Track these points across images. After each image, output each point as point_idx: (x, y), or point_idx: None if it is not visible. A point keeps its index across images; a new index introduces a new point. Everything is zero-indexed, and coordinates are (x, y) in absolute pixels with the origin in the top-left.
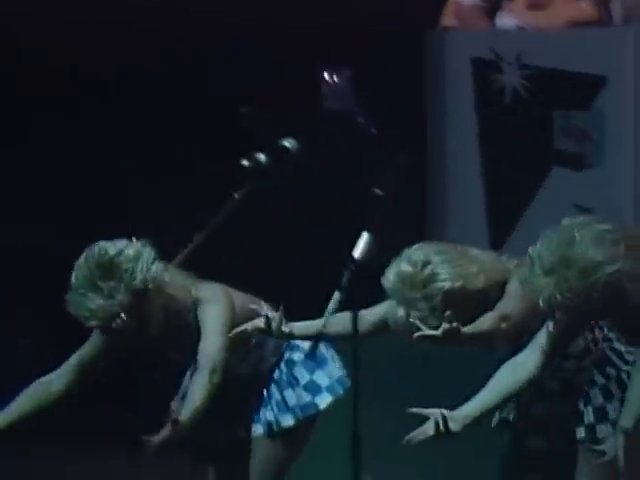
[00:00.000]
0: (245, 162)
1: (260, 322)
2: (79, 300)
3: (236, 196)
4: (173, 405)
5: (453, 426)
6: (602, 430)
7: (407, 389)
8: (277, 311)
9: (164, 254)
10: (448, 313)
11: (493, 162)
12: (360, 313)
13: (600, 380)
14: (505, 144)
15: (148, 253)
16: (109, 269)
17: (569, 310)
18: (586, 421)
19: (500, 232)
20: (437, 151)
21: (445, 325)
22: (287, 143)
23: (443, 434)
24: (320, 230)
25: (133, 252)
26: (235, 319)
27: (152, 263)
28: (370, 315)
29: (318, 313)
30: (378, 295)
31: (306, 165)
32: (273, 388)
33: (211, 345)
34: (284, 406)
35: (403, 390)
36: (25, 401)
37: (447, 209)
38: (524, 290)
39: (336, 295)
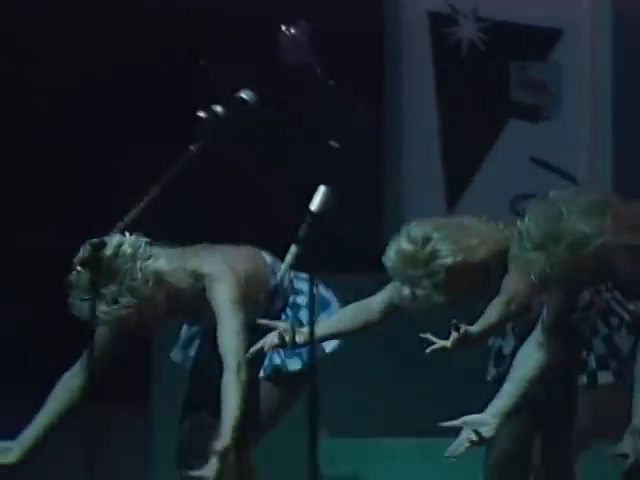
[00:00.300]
0: (202, 114)
1: (274, 338)
2: (82, 306)
3: (192, 148)
4: (214, 445)
5: (486, 432)
6: (603, 377)
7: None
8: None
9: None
10: (454, 321)
11: (450, 115)
12: (366, 302)
13: (603, 330)
14: (462, 97)
15: (143, 248)
16: (108, 273)
17: (561, 283)
18: (588, 368)
19: (457, 184)
20: (394, 104)
21: (454, 334)
22: (244, 95)
23: (479, 442)
24: (278, 183)
25: (130, 250)
26: (242, 288)
27: (148, 258)
28: (376, 303)
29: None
30: (334, 245)
31: (264, 117)
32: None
33: (230, 339)
34: (291, 350)
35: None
36: (54, 405)
37: (404, 161)
38: (515, 265)
39: (293, 248)
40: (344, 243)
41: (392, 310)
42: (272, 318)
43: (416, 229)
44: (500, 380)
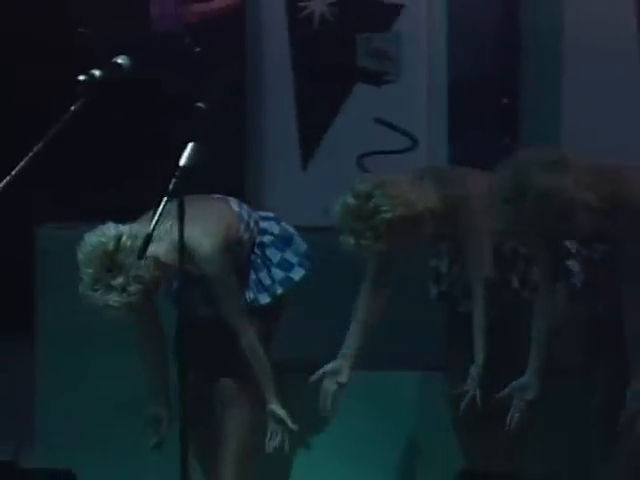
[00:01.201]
0: (81, 77)
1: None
2: (94, 297)
3: (72, 108)
4: None
5: (529, 395)
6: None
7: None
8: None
9: None
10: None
11: (304, 80)
12: (368, 287)
13: (522, 250)
14: (314, 64)
15: (140, 239)
16: (114, 266)
17: (531, 236)
18: (512, 287)
19: (311, 143)
20: (255, 70)
21: (470, 395)
22: (120, 60)
23: (527, 407)
24: (151, 142)
25: (129, 243)
26: (225, 254)
27: (146, 246)
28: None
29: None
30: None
31: (137, 80)
32: (250, 271)
33: (234, 309)
34: (261, 286)
35: None
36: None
37: (264, 121)
38: (490, 219)
39: (164, 201)
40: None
41: (383, 279)
42: (244, 260)
43: (361, 186)
44: (441, 297)
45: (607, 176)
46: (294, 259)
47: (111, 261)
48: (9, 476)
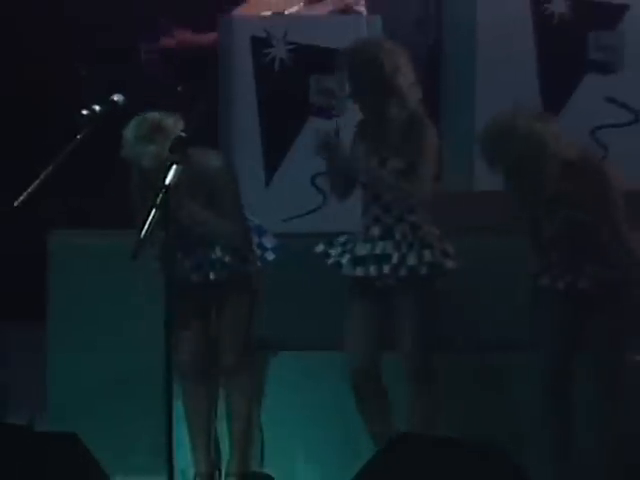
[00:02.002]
0: (84, 111)
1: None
2: (137, 150)
3: (77, 137)
4: None
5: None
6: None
7: None
8: None
9: None
10: None
11: (268, 113)
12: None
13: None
14: (276, 100)
15: (180, 125)
16: (158, 128)
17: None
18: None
19: (272, 165)
20: (227, 104)
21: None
22: (116, 97)
23: None
24: None
25: (172, 121)
26: None
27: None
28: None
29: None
30: None
31: (130, 113)
32: None
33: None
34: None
35: None
36: None
37: (233, 145)
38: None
39: (153, 211)
40: None
41: None
42: None
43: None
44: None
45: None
46: (268, 245)
47: (157, 125)
48: (23, 438)
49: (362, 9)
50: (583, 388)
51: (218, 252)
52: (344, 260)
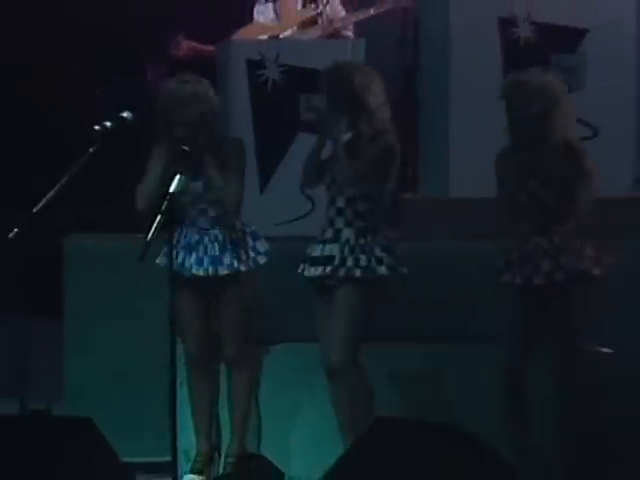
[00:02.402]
0: (96, 127)
1: None
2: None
3: (90, 150)
4: None
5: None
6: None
7: None
8: None
9: None
10: None
11: (262, 128)
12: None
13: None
14: (269, 117)
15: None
16: (194, 95)
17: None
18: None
19: (266, 174)
20: (224, 119)
21: None
22: (125, 114)
23: None
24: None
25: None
26: None
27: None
28: None
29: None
30: None
31: (137, 128)
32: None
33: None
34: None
35: None
36: None
37: None
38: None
39: (158, 217)
40: None
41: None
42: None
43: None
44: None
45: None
46: (261, 249)
47: (191, 94)
48: (42, 422)
49: (349, 33)
50: (541, 385)
51: (217, 250)
52: (304, 262)
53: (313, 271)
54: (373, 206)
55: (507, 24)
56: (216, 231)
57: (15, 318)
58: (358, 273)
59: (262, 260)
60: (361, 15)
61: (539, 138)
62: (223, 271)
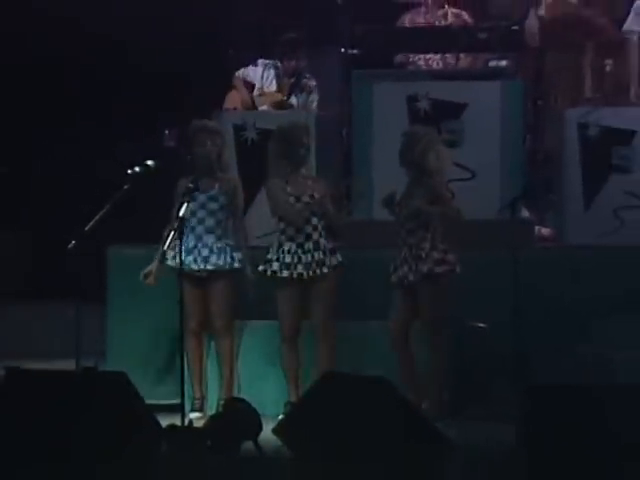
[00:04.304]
0: (130, 170)
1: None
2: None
3: (125, 187)
4: None
5: None
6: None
7: None
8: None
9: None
10: None
11: (244, 170)
12: None
13: None
14: (249, 163)
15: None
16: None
17: None
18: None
19: (246, 204)
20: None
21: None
22: (149, 162)
23: None
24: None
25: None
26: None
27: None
28: None
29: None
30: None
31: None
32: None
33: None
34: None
35: None
36: None
37: None
38: None
39: (171, 233)
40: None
41: None
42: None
43: None
44: None
45: None
46: (238, 257)
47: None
48: (90, 374)
49: (314, 107)
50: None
51: (213, 256)
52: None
53: (288, 273)
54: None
55: (412, 100)
56: (208, 239)
57: (74, 303)
58: (300, 269)
59: (238, 265)
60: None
61: (427, 177)
62: (218, 267)
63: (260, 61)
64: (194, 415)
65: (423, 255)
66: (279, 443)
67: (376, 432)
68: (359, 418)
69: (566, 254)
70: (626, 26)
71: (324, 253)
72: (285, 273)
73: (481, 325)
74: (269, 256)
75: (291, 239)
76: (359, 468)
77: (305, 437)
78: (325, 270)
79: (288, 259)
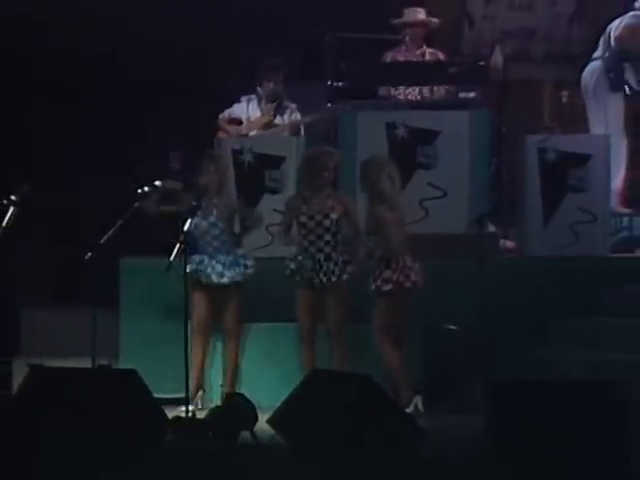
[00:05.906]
0: (139, 190)
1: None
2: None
3: (136, 205)
4: None
5: None
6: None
7: None
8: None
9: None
10: None
11: (241, 190)
12: None
13: None
14: (246, 184)
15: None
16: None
17: None
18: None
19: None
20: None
21: None
22: (157, 183)
23: None
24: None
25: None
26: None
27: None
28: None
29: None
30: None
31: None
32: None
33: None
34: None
35: None
36: None
37: None
38: None
39: (177, 246)
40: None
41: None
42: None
43: None
44: None
45: None
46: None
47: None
48: (104, 371)
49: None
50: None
51: (226, 270)
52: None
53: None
54: None
55: (391, 127)
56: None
57: (91, 308)
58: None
59: (251, 270)
60: (305, 119)
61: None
62: (229, 277)
63: (243, 98)
64: (190, 408)
65: (377, 273)
66: (273, 432)
67: (357, 422)
68: (343, 410)
69: (528, 264)
70: None
71: (335, 264)
72: (303, 281)
73: (452, 327)
74: (291, 266)
75: (305, 250)
76: (344, 453)
77: (296, 427)
78: (335, 279)
79: (304, 269)
